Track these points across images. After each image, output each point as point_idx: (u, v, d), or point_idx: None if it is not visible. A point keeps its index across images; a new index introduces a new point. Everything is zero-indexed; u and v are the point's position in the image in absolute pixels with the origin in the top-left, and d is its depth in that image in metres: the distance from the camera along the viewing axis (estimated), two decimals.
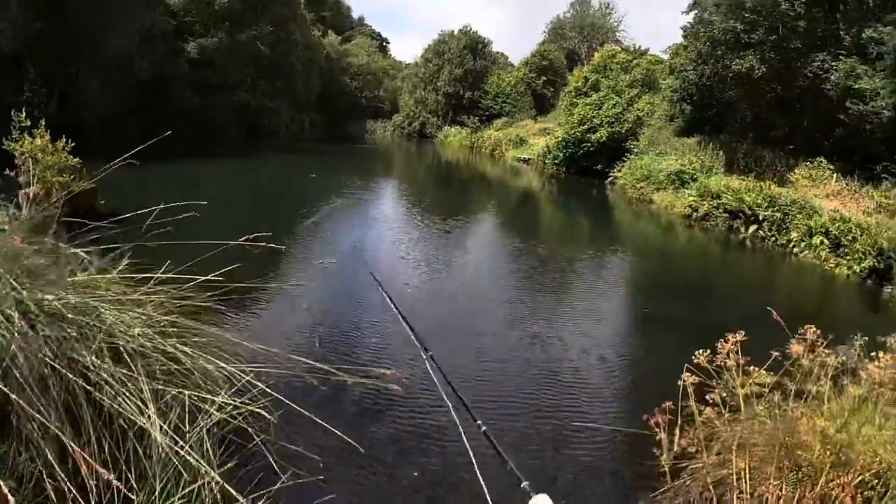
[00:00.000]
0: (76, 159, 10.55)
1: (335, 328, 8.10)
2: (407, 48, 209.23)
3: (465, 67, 55.95)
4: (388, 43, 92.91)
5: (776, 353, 3.94)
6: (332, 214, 16.42)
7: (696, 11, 26.75)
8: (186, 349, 2.70)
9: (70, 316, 2.59)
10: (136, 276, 3.08)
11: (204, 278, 3.04)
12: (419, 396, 5.94)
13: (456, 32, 58.09)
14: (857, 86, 19.01)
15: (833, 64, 20.10)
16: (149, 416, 2.42)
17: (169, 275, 3.00)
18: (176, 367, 2.66)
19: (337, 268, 10.86)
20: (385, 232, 14.99)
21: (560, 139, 35.63)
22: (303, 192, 20.45)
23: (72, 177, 10.10)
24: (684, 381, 3.84)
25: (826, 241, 16.84)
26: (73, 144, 10.56)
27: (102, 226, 3.16)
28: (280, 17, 41.53)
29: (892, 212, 17.87)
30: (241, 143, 37.14)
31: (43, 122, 10.17)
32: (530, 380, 7.13)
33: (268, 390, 2.76)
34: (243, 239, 3.10)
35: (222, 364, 2.66)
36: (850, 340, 4.13)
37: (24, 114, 9.37)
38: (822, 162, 21.08)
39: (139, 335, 2.65)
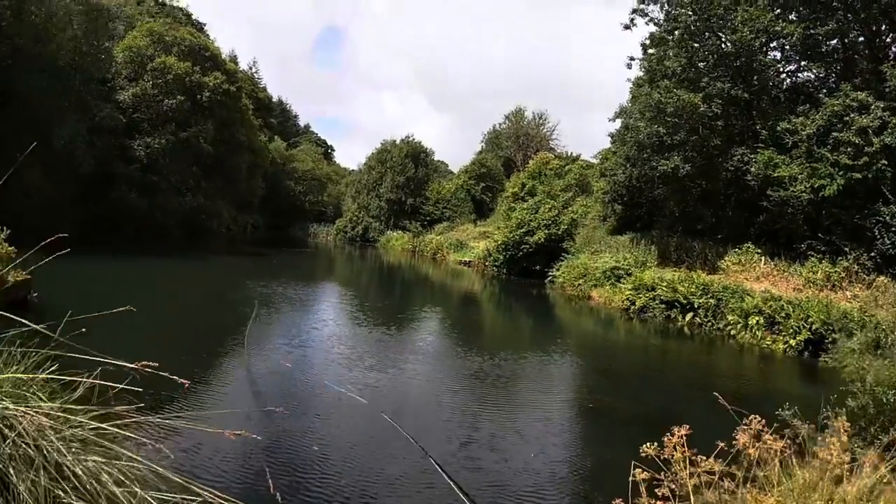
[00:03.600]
0: (12, 248, 9.98)
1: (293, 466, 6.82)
2: (351, 154, 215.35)
3: (407, 175, 57.18)
4: (332, 150, 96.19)
5: (722, 444, 3.93)
6: (269, 325, 15.17)
7: (621, 119, 28.47)
8: (108, 469, 2.37)
9: None
10: (61, 378, 2.65)
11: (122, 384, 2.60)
12: None
13: (398, 142, 59.87)
14: (776, 174, 20.01)
15: (752, 156, 21.24)
16: None
17: (92, 380, 2.57)
18: (92, 487, 2.31)
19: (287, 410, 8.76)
20: (326, 346, 13.32)
21: (500, 242, 36.11)
22: (241, 298, 19.03)
23: (5, 266, 9.55)
24: (634, 476, 3.79)
25: (761, 320, 17.17)
26: (9, 231, 10.10)
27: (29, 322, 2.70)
28: (227, 120, 41.95)
29: (821, 286, 18.43)
30: (181, 242, 35.97)
31: None
32: (487, 487, 6.77)
33: None
34: (139, 364, 2.59)
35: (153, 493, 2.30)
36: (790, 418, 4.38)
37: None
38: (749, 247, 21.78)
39: (62, 449, 2.33)
